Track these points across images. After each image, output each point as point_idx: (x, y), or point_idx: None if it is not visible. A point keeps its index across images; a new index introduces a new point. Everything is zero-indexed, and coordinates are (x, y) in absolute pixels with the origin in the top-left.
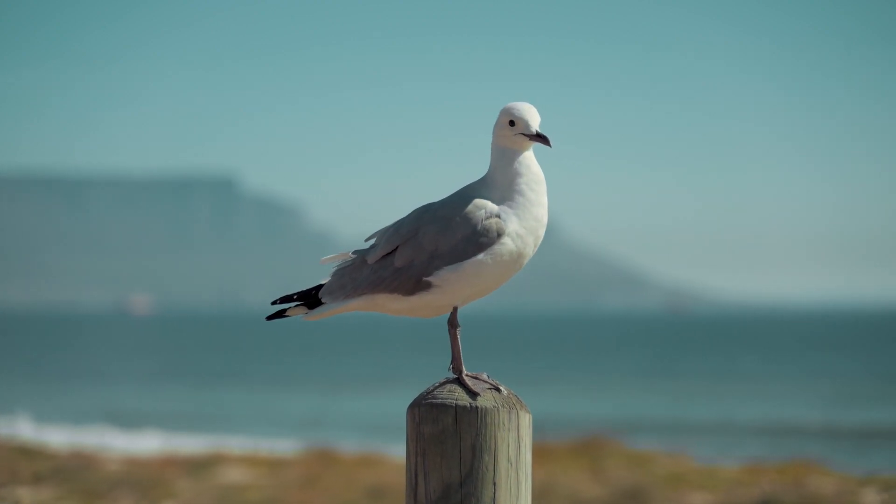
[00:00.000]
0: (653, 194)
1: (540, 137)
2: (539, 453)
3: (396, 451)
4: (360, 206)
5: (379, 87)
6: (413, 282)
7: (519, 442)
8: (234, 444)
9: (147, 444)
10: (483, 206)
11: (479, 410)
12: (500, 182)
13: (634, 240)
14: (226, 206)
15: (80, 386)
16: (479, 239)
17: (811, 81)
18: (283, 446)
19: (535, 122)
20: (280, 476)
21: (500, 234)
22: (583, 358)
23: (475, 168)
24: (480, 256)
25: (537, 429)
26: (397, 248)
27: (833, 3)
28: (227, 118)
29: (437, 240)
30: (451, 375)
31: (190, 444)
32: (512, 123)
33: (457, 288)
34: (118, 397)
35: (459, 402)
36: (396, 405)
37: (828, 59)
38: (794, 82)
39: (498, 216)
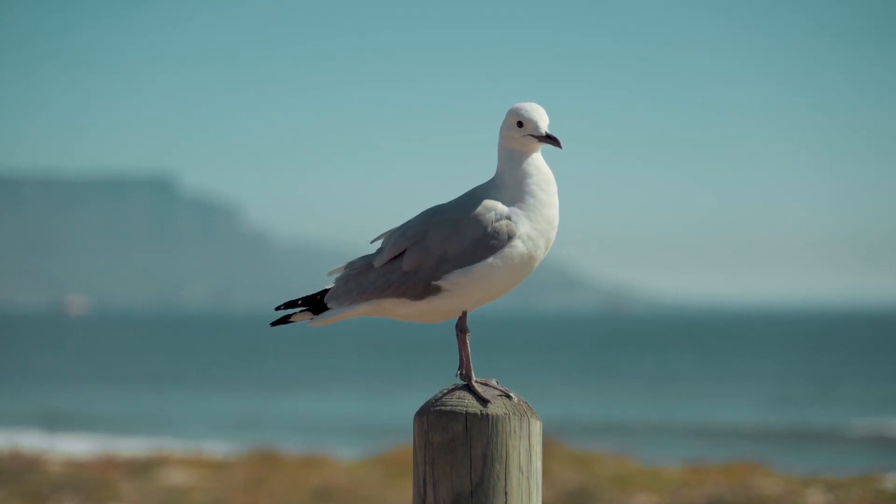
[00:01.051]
0: (590, 194)
1: (549, 139)
2: None
3: (339, 453)
4: (298, 206)
5: (317, 87)
6: (421, 286)
7: (530, 450)
8: (175, 446)
9: (86, 446)
10: (493, 208)
11: (490, 418)
12: (509, 183)
13: (571, 240)
14: (163, 207)
15: (16, 387)
16: (489, 241)
17: (776, 75)
18: (225, 448)
19: (543, 123)
20: (224, 478)
21: (510, 237)
22: (524, 359)
23: (417, 170)
24: (490, 259)
25: None
26: (405, 251)
27: (839, 1)
28: (164, 118)
29: (445, 243)
30: (459, 382)
31: (130, 446)
32: (520, 125)
33: (466, 292)
34: (55, 399)
35: (470, 410)
36: (336, 407)
37: (825, 56)
38: (758, 77)
39: (508, 218)
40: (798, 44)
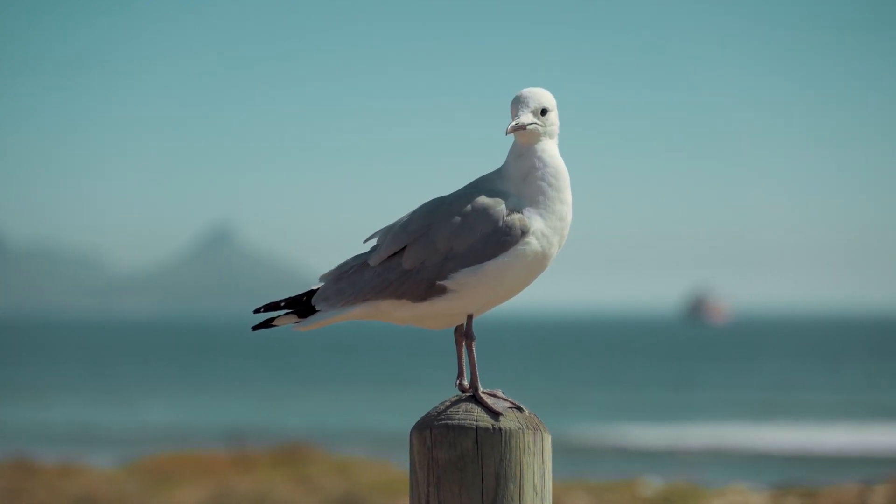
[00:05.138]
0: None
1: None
2: (239, 462)
3: (95, 462)
4: (34, 207)
5: (59, 79)
6: (424, 286)
7: (544, 468)
8: None
9: None
10: (504, 201)
11: (503, 433)
12: (513, 174)
13: (306, 244)
14: None
15: None
16: (500, 238)
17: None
18: None
19: (520, 110)
20: None
21: (524, 233)
22: (283, 366)
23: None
24: (502, 257)
25: (237, 437)
26: (405, 247)
27: None
28: None
29: (451, 239)
30: (461, 393)
31: None
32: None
33: (475, 293)
34: None
35: (480, 424)
36: (91, 413)
37: (827, 53)
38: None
39: (520, 211)
40: (804, 40)
